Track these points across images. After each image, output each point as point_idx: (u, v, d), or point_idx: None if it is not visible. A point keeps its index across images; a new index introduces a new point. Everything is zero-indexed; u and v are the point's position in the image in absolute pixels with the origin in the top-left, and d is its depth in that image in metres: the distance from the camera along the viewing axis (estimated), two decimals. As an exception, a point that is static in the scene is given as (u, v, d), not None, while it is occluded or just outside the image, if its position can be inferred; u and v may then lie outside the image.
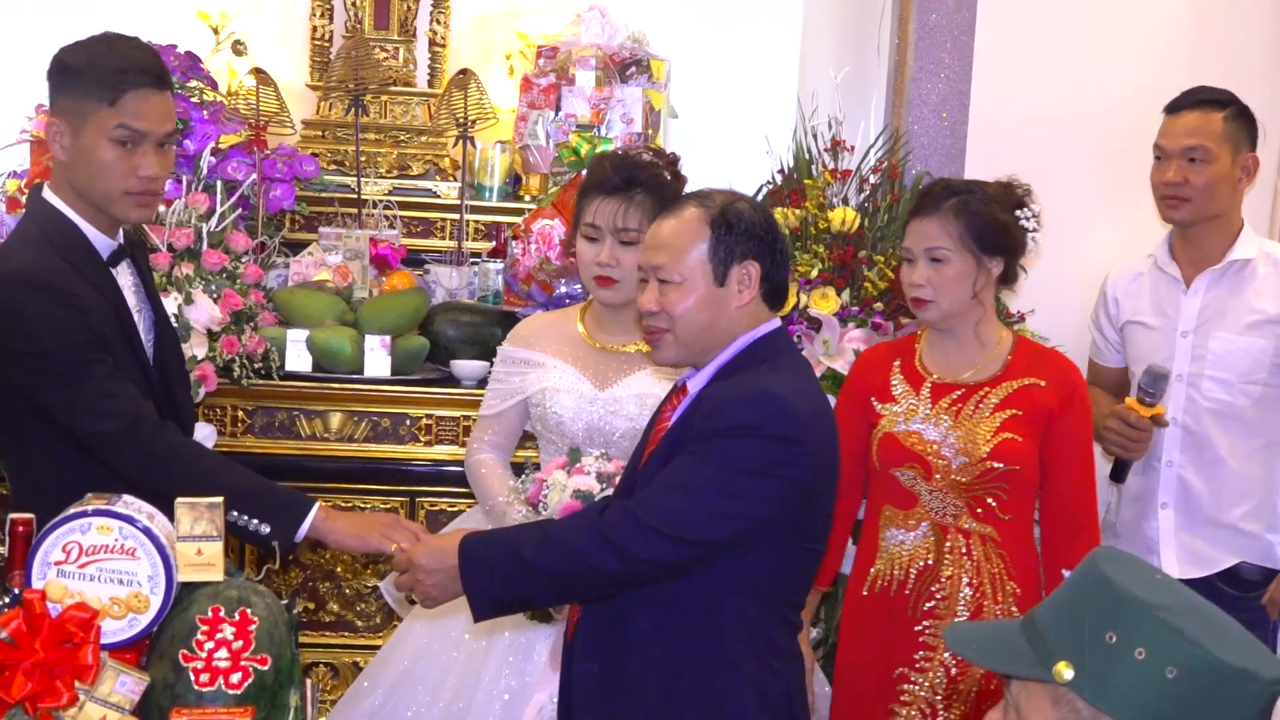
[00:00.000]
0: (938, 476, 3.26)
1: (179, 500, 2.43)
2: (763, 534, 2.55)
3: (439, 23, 5.05)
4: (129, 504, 2.42)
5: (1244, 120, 3.79)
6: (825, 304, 4.15)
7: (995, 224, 3.26)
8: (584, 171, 3.69)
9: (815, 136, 4.53)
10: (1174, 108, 3.83)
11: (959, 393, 3.30)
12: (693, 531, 2.51)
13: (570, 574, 2.57)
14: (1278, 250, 3.88)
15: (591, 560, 2.53)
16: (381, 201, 4.78)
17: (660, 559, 2.52)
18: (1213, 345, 3.76)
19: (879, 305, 4.16)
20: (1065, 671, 1.76)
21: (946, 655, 3.25)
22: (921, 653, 3.28)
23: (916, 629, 3.28)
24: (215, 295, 4.03)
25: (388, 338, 4.25)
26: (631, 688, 2.63)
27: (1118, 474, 3.84)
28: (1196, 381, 3.78)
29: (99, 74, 2.80)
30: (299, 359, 4.22)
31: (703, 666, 2.59)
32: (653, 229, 2.73)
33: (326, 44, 5.01)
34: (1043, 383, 3.28)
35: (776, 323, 2.69)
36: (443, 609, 3.24)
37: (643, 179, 3.28)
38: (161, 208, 4.07)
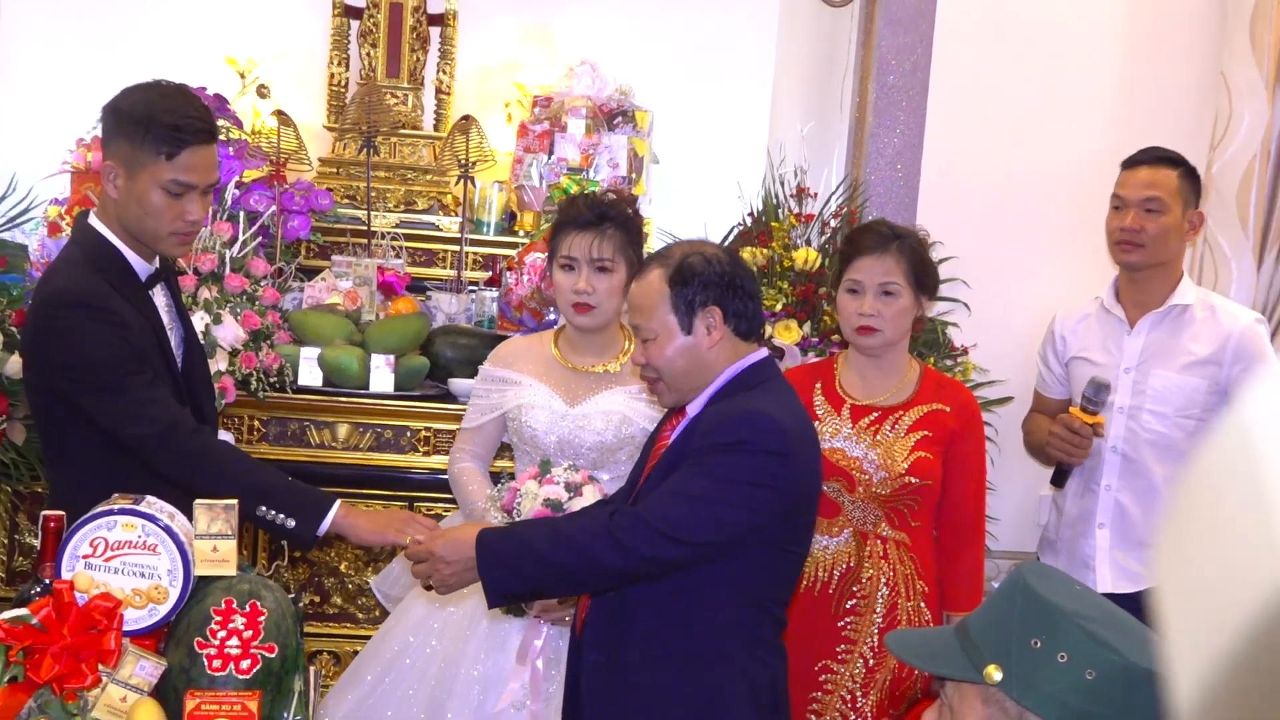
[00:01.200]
0: (860, 489, 3.32)
1: (197, 501, 2.44)
2: (752, 539, 2.59)
3: (445, 73, 5.05)
4: (151, 504, 2.42)
5: (1193, 179, 3.82)
6: (788, 335, 4.17)
7: (930, 266, 3.37)
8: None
9: (782, 184, 4.55)
10: (1132, 163, 3.84)
11: (876, 414, 3.36)
12: (692, 534, 2.55)
13: (580, 568, 2.61)
14: (1212, 298, 3.90)
15: (600, 557, 2.57)
16: (389, 233, 4.78)
17: (661, 557, 2.55)
18: (1152, 382, 3.78)
19: (836, 337, 4.18)
20: (995, 673, 1.78)
21: (865, 648, 3.30)
22: (843, 646, 3.33)
23: (839, 624, 3.34)
24: (236, 316, 4.03)
25: (392, 357, 4.26)
26: (633, 678, 2.66)
27: (1058, 480, 3.86)
28: (1136, 414, 3.79)
29: (158, 129, 2.79)
30: (311, 374, 4.22)
31: (697, 660, 2.63)
32: (630, 291, 2.80)
33: (342, 90, 5.02)
34: (947, 408, 3.36)
35: (763, 353, 2.74)
36: (441, 599, 3.27)
37: (612, 215, 3.32)
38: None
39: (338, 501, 2.90)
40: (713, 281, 2.65)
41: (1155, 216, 3.75)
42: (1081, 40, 5.03)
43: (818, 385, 3.43)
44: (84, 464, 2.88)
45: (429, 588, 2.81)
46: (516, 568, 2.63)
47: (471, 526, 2.74)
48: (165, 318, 2.98)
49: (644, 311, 2.70)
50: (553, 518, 2.80)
